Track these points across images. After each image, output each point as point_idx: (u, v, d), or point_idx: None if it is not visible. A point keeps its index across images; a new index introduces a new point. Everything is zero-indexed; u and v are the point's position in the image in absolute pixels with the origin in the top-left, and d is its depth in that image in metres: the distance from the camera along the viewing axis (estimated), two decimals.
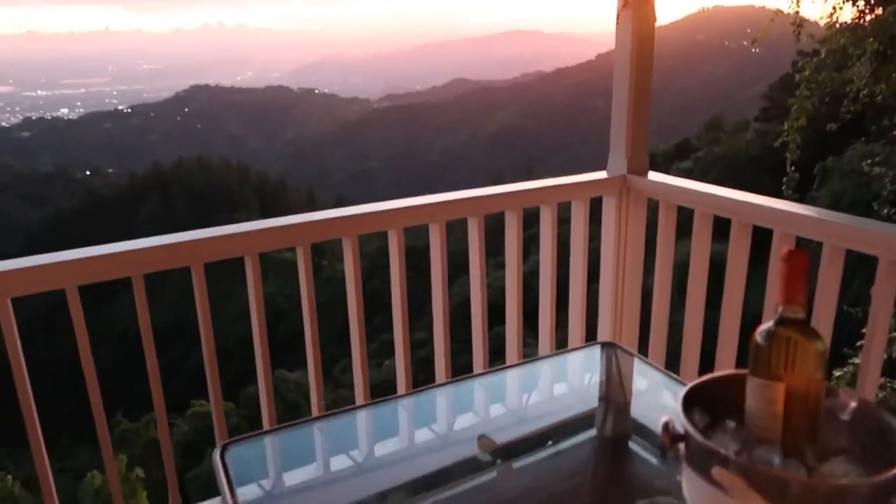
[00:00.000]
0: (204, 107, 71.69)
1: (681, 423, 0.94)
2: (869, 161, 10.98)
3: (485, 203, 2.26)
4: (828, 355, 0.90)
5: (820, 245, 1.88)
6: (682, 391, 0.96)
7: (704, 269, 2.27)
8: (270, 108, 74.86)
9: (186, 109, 71.36)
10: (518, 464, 1.37)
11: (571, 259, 2.48)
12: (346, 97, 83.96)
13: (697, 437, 0.88)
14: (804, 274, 0.91)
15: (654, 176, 2.42)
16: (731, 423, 0.95)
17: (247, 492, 1.26)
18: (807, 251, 0.91)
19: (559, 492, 1.28)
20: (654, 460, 1.35)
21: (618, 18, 2.36)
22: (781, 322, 0.91)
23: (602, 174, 2.48)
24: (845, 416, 0.92)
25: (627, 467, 1.43)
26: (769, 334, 0.91)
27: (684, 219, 2.34)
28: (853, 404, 0.92)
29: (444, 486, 1.31)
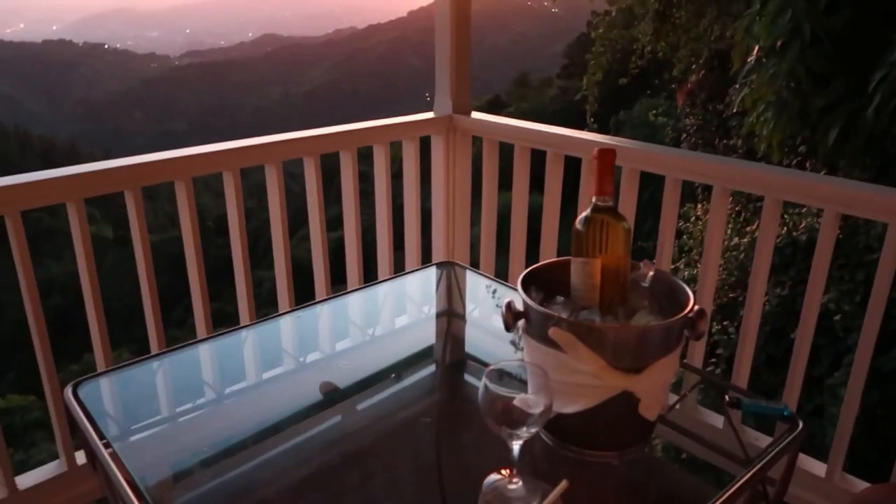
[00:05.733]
0: None
1: (520, 302, 1.11)
2: (654, 112, 12.28)
3: (320, 142, 2.31)
4: (632, 235, 1.11)
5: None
6: (521, 274, 1.13)
7: (525, 198, 2.51)
8: (51, 65, 66.55)
9: None
10: (363, 403, 1.41)
11: (405, 194, 2.62)
12: (141, 53, 76.85)
13: (536, 307, 1.05)
14: (611, 169, 1.10)
15: (477, 115, 2.61)
16: (560, 298, 1.14)
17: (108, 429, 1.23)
18: (613, 149, 1.10)
19: (403, 423, 1.34)
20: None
21: None
22: (595, 209, 1.10)
23: (430, 114, 2.62)
24: (645, 283, 1.14)
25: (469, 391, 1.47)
26: (586, 220, 1.10)
27: (506, 174, 2.55)
28: (651, 273, 1.14)
29: (290, 433, 1.30)
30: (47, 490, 1.91)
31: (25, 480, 1.90)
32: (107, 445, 1.15)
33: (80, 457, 1.96)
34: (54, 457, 1.99)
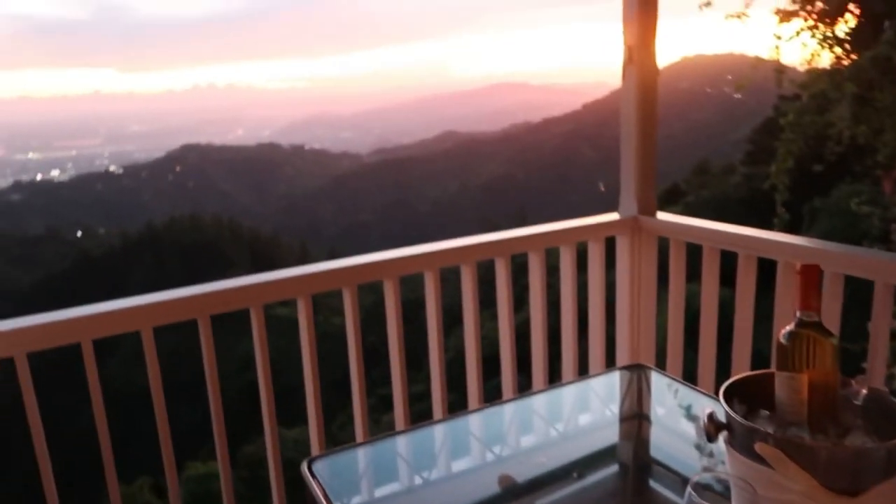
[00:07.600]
0: (195, 165, 72.51)
1: (723, 413, 1.12)
2: (856, 200, 11.32)
3: (512, 244, 2.47)
4: (840, 350, 1.09)
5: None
6: (724, 386, 1.15)
7: (714, 301, 2.46)
8: (261, 164, 75.73)
9: (178, 168, 72.14)
10: (542, 500, 1.42)
11: (589, 295, 2.68)
12: (336, 152, 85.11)
13: (740, 420, 1.06)
14: (817, 284, 1.11)
15: (662, 216, 2.64)
16: (765, 412, 1.13)
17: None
18: (818, 265, 1.11)
19: None
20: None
21: (623, 72, 2.61)
22: (800, 324, 1.11)
23: (615, 215, 2.70)
24: (858, 401, 1.10)
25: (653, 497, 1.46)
26: (791, 335, 1.11)
27: (692, 264, 2.54)
28: (864, 391, 1.11)
29: None
30: None
31: None
32: None
33: None
34: None
